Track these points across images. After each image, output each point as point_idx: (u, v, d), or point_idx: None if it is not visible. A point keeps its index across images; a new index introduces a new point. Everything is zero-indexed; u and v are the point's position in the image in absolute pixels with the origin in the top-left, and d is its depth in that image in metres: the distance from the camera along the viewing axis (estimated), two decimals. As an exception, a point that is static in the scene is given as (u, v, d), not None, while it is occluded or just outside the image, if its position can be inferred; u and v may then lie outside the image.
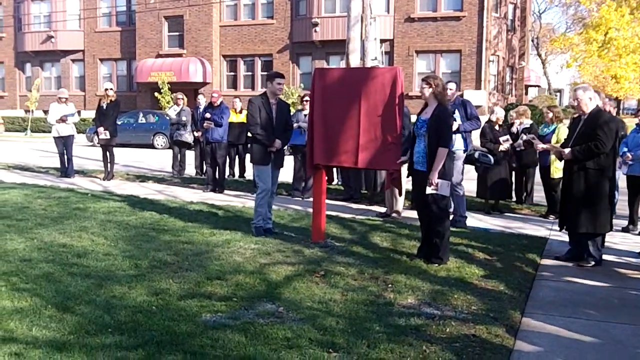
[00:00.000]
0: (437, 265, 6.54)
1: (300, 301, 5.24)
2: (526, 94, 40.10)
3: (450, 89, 8.54)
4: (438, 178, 6.42)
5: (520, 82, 35.63)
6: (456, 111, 8.49)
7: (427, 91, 6.57)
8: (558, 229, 8.97)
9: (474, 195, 11.36)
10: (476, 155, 7.97)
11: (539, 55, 55.44)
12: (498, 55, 30.35)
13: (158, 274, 5.88)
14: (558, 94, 59.43)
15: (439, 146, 6.41)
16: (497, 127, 10.40)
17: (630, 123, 10.59)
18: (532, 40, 49.57)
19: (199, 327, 4.52)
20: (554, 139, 9.78)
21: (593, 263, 6.93)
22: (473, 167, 10.00)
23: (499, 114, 10.53)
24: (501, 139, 10.14)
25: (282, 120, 7.88)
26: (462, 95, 11.37)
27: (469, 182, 11.93)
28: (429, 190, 6.43)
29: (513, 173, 10.83)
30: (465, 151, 8.87)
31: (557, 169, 9.81)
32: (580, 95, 6.92)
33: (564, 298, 5.80)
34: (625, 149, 8.81)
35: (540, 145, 9.85)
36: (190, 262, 6.34)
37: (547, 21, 69.42)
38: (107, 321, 4.58)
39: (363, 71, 8.19)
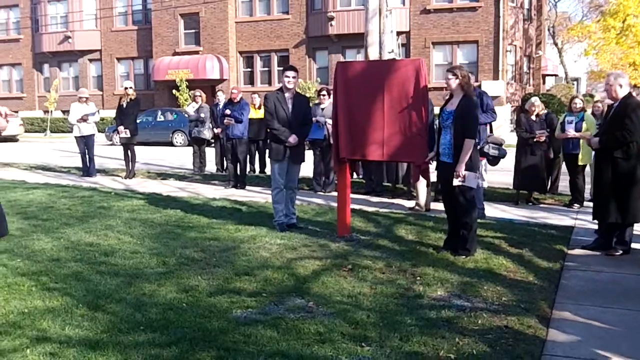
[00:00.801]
0: (464, 257, 6.51)
1: (330, 295, 5.23)
2: (544, 83, 39.77)
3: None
4: (465, 170, 6.38)
5: (537, 71, 35.34)
6: None
7: (454, 82, 6.52)
8: (583, 217, 8.97)
9: (498, 186, 11.34)
10: (485, 148, 7.87)
11: (556, 44, 54.86)
12: (515, 45, 30.12)
13: (186, 270, 5.90)
14: (575, 82, 58.80)
15: (465, 137, 6.37)
16: (533, 117, 10.15)
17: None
18: (549, 29, 49.06)
19: (230, 323, 4.53)
20: (584, 127, 9.70)
21: (621, 252, 6.86)
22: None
23: (536, 103, 10.27)
24: (537, 132, 9.93)
25: (299, 114, 7.85)
26: (479, 86, 11.21)
27: (492, 173, 11.90)
28: (456, 182, 6.39)
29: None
30: (478, 144, 8.71)
31: (584, 156, 9.73)
32: (611, 81, 6.84)
33: (593, 288, 5.75)
34: None
35: (572, 133, 9.79)
36: (217, 259, 6.35)
37: (562, 10, 68.67)
38: (139, 319, 4.60)
39: (385, 63, 8.13)
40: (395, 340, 4.29)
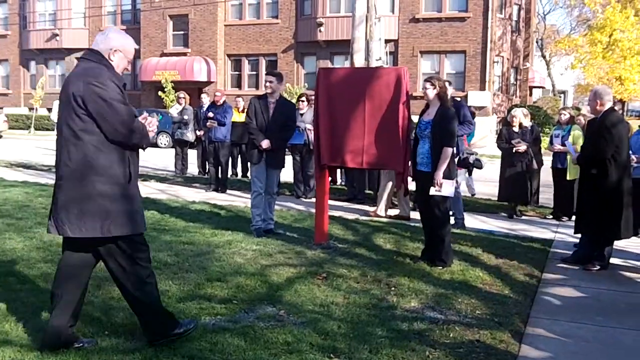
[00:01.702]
0: (440, 267, 6.46)
1: (302, 304, 5.15)
2: (530, 95, 39.97)
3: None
4: (442, 178, 6.34)
5: (524, 83, 35.46)
6: None
7: (431, 92, 6.50)
8: (563, 231, 8.95)
9: (480, 196, 11.33)
10: (470, 159, 7.85)
11: (543, 56, 55.24)
12: (502, 56, 30.23)
13: (158, 275, 5.68)
14: (562, 95, 59.19)
15: (443, 146, 6.34)
16: (515, 129, 10.09)
17: (635, 125, 10.48)
18: (537, 42, 49.37)
19: (197, 330, 4.42)
20: (570, 140, 9.69)
21: (599, 267, 6.84)
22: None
23: (516, 114, 10.22)
24: (513, 141, 9.90)
25: (278, 120, 7.75)
26: (466, 97, 11.18)
27: (476, 184, 11.89)
28: (433, 191, 6.34)
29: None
30: (457, 154, 8.63)
31: (572, 171, 9.70)
32: (592, 97, 6.84)
33: (570, 302, 5.71)
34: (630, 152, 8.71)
35: (558, 147, 9.78)
36: (190, 263, 6.25)
37: (551, 22, 69.26)
38: (104, 323, 4.49)
39: (368, 71, 8.10)
40: (365, 352, 4.21)
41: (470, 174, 8.70)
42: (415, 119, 6.80)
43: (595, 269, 6.81)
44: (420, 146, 6.60)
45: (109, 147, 3.83)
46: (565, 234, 8.79)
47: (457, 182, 7.60)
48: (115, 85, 3.85)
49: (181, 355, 3.98)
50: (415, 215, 9.35)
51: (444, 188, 6.37)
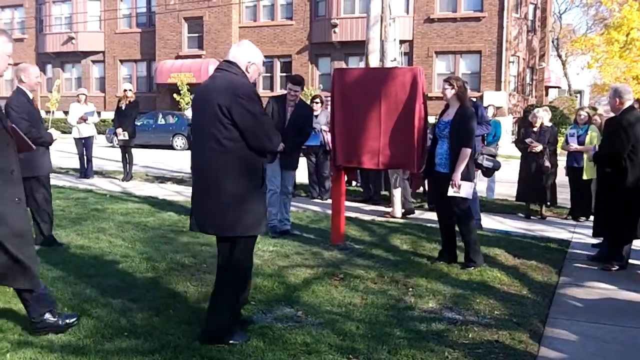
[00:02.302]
0: (472, 268, 6.43)
1: (319, 305, 5.15)
2: (546, 95, 39.71)
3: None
4: (461, 180, 6.31)
5: (540, 83, 35.28)
6: None
7: (450, 92, 6.47)
8: (580, 231, 8.89)
9: (496, 197, 11.26)
10: (479, 159, 7.77)
11: (559, 56, 54.86)
12: (518, 56, 30.09)
13: (176, 276, 5.82)
14: (578, 95, 58.78)
15: (462, 147, 6.31)
16: (535, 129, 9.95)
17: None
18: (553, 41, 49.06)
19: (216, 331, 4.45)
20: (587, 140, 9.63)
21: (617, 267, 6.79)
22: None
23: (539, 115, 10.08)
24: (527, 141, 9.84)
25: (296, 123, 7.76)
26: (481, 97, 11.12)
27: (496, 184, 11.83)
28: (451, 192, 6.31)
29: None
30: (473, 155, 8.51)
31: (588, 171, 9.63)
32: (612, 94, 6.80)
33: (588, 303, 5.67)
34: None
35: (574, 146, 9.72)
36: (208, 265, 6.27)
37: (567, 22, 68.69)
38: (124, 324, 4.52)
39: (383, 71, 8.08)
40: (384, 353, 4.21)
41: (486, 176, 8.62)
42: (431, 119, 6.78)
43: (614, 269, 6.76)
44: (439, 146, 6.57)
45: (250, 154, 4.11)
46: (582, 234, 8.73)
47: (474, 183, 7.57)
48: (258, 98, 4.13)
49: (200, 356, 4.00)
50: (432, 216, 9.37)
51: (463, 189, 6.34)
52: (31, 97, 6.40)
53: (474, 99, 9.21)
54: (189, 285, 5.55)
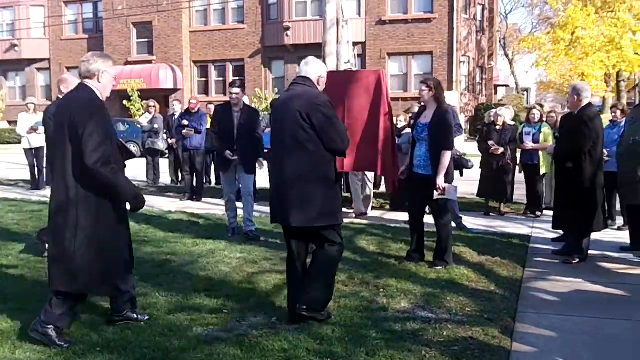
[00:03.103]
0: (442, 267, 6.50)
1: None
2: (495, 93, 40.43)
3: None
4: (444, 182, 6.37)
5: (489, 82, 35.91)
6: None
7: (427, 94, 6.48)
8: (539, 226, 9.08)
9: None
10: (461, 162, 7.90)
11: (506, 55, 56.00)
12: (468, 56, 30.58)
13: (143, 287, 5.70)
14: (525, 92, 60.08)
15: (442, 149, 6.32)
16: (497, 127, 10.02)
17: (605, 120, 10.66)
18: (500, 41, 50.05)
19: (191, 342, 4.38)
20: (542, 138, 9.82)
21: (578, 260, 6.96)
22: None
23: (502, 114, 10.14)
24: (490, 143, 9.89)
25: (245, 128, 7.87)
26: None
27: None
28: (436, 195, 6.33)
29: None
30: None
31: (546, 166, 9.84)
32: (571, 92, 6.98)
33: (554, 296, 5.80)
34: None
35: (530, 145, 9.90)
36: (175, 274, 6.18)
37: (513, 21, 70.34)
38: (95, 340, 4.40)
39: (347, 74, 8.11)
40: (362, 355, 4.22)
41: (461, 175, 8.74)
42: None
43: (575, 261, 6.93)
44: (418, 149, 6.59)
45: (326, 153, 4.73)
46: (541, 229, 8.92)
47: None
48: (332, 105, 4.79)
49: (178, 368, 3.94)
50: (396, 216, 9.45)
51: (448, 191, 6.38)
52: None
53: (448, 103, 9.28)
54: (158, 296, 5.45)
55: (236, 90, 7.90)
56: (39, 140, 13.58)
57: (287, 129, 4.70)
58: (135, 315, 4.76)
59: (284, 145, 4.73)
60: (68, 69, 35.58)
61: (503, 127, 10.03)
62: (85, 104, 4.23)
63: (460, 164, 8.06)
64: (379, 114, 6.63)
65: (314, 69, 4.93)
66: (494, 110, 10.68)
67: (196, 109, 12.16)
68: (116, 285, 4.57)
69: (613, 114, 9.32)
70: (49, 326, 4.26)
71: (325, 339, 4.48)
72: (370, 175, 9.36)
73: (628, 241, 7.60)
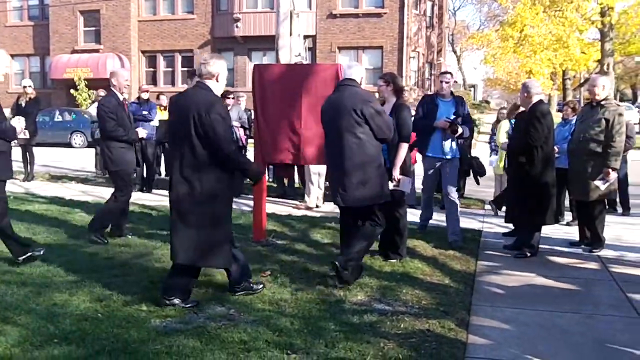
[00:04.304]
0: (396, 260, 6.58)
1: (251, 302, 5.12)
2: (444, 89, 40.98)
3: (447, 82, 7.80)
4: (400, 174, 6.43)
5: (438, 77, 36.39)
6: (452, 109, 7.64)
7: (386, 88, 6.61)
8: (489, 220, 9.28)
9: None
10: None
11: (454, 51, 56.88)
12: (418, 52, 30.92)
13: (98, 279, 5.61)
14: (472, 88, 61.18)
15: (400, 142, 6.40)
16: None
17: (557, 118, 10.95)
18: (448, 37, 50.77)
19: (150, 334, 4.34)
20: (503, 136, 9.94)
21: (529, 254, 7.13)
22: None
23: None
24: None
25: None
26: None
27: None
28: (391, 186, 6.40)
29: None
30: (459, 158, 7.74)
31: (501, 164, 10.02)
32: (523, 89, 7.13)
33: (507, 289, 5.93)
34: None
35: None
36: (130, 266, 6.10)
37: (461, 18, 71.35)
38: (52, 331, 4.32)
39: (304, 67, 8.13)
40: (321, 347, 4.24)
41: (477, 183, 8.70)
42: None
43: (526, 255, 7.10)
44: None
45: (376, 142, 5.72)
46: (492, 223, 9.11)
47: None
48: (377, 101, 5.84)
49: (138, 360, 3.90)
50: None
51: (402, 184, 6.45)
52: (121, 99, 7.31)
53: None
54: (113, 288, 5.37)
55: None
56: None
57: (342, 125, 5.57)
58: (252, 285, 5.38)
59: (342, 139, 5.58)
60: (13, 56, 34.57)
61: None
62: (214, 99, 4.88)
63: (475, 170, 8.00)
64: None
65: (357, 72, 5.83)
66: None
67: (145, 98, 12.03)
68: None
69: (564, 112, 9.56)
70: (172, 298, 4.92)
71: (284, 331, 4.49)
72: (322, 168, 9.42)
73: (577, 237, 7.84)
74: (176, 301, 4.91)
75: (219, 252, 4.96)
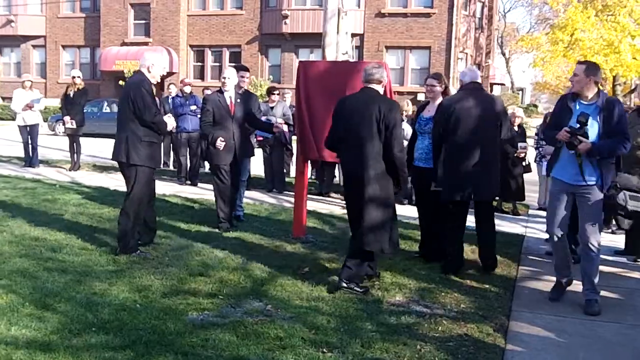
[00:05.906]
0: (438, 263, 6.47)
1: (288, 299, 5.13)
2: (491, 91, 40.51)
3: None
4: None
5: (486, 80, 35.87)
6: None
7: (438, 89, 6.57)
8: (533, 226, 9.10)
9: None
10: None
11: (503, 54, 56.09)
12: (466, 53, 30.54)
13: (138, 269, 5.69)
14: (520, 92, 60.26)
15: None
16: (515, 128, 9.71)
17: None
18: (497, 39, 50.09)
19: (187, 326, 4.38)
20: None
21: (573, 261, 6.95)
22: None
23: (518, 114, 9.88)
24: (520, 145, 9.45)
25: (243, 112, 7.80)
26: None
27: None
28: (434, 187, 6.33)
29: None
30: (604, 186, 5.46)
31: None
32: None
33: (547, 296, 5.80)
34: None
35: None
36: (170, 258, 6.17)
37: (511, 20, 70.32)
38: (91, 320, 4.39)
39: (349, 64, 8.09)
40: (357, 347, 4.22)
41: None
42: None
43: (572, 262, 6.93)
44: (420, 142, 6.59)
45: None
46: (534, 229, 8.94)
47: None
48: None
49: (174, 352, 3.92)
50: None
51: None
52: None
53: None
54: (153, 279, 5.44)
55: (246, 73, 8.26)
56: (33, 117, 13.50)
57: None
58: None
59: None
60: (64, 47, 35.38)
61: (519, 127, 9.87)
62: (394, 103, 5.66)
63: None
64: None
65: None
66: (510, 110, 10.00)
67: (188, 91, 12.17)
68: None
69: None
70: (352, 283, 5.39)
71: (320, 329, 4.47)
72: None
73: (622, 245, 7.63)
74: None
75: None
